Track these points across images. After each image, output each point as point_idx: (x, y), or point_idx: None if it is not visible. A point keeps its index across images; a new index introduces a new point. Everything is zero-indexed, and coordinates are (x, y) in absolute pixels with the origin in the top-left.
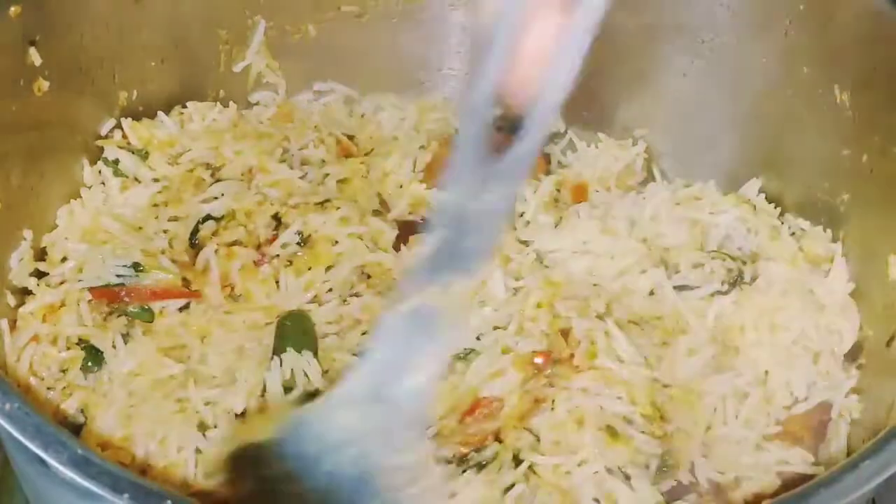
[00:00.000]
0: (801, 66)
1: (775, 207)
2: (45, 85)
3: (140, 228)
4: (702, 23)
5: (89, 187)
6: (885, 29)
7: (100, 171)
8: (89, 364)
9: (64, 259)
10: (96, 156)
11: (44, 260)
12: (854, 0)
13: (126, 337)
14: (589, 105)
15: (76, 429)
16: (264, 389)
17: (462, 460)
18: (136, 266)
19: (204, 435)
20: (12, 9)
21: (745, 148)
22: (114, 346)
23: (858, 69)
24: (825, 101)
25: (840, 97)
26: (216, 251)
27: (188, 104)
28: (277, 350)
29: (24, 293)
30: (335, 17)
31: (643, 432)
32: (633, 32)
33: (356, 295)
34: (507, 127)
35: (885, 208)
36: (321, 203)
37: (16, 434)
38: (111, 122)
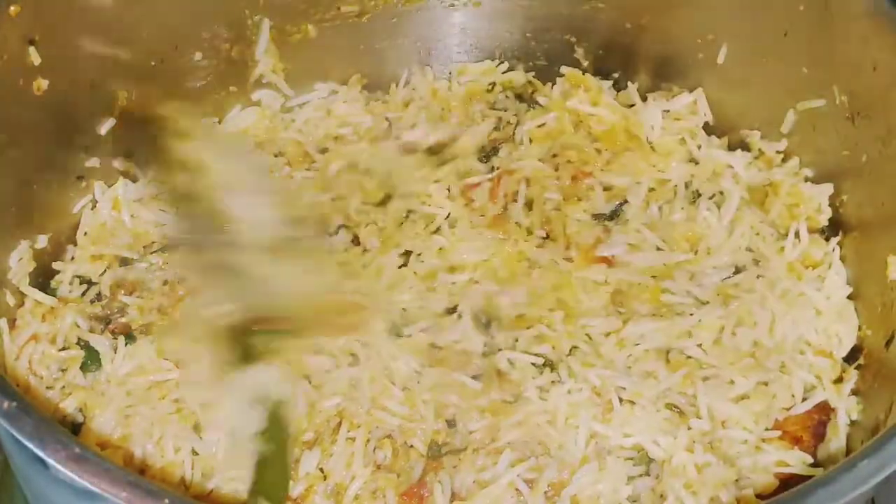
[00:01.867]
0: (800, 66)
1: None
2: (44, 84)
3: None
4: None
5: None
6: (884, 28)
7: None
8: (88, 363)
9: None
10: (95, 156)
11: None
12: (853, 0)
13: (127, 338)
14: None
15: (75, 428)
16: None
17: None
18: None
19: (200, 436)
20: (12, 8)
21: None
22: (115, 351)
23: (858, 69)
24: None
25: (839, 98)
26: None
27: None
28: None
29: (24, 292)
30: (335, 17)
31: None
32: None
33: None
34: None
35: (885, 208)
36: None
37: (14, 433)
38: (111, 122)
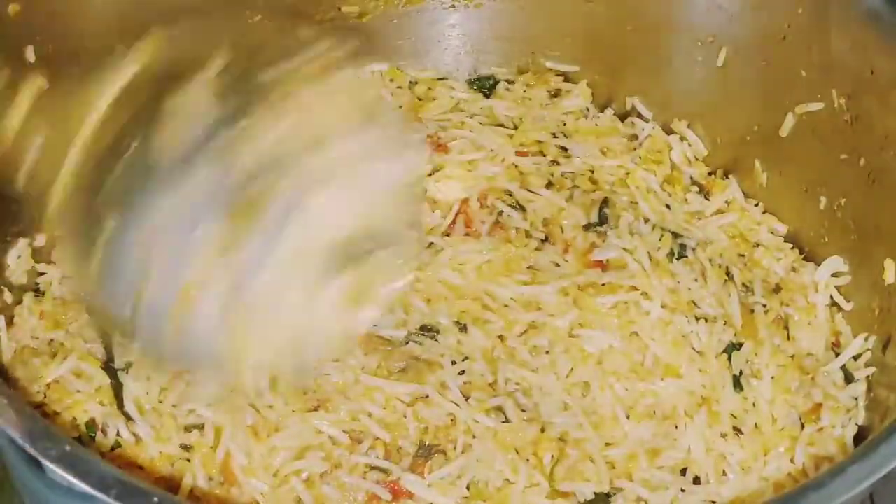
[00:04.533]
0: (798, 69)
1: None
2: (43, 84)
3: None
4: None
5: None
6: (883, 32)
7: None
8: None
9: None
10: None
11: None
12: (852, 3)
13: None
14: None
15: None
16: None
17: None
18: None
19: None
20: (11, 7)
21: None
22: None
23: (857, 73)
24: None
25: (838, 101)
26: None
27: None
28: None
29: (22, 290)
30: (335, 18)
31: None
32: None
33: None
34: None
35: (882, 212)
36: None
37: (5, 429)
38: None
